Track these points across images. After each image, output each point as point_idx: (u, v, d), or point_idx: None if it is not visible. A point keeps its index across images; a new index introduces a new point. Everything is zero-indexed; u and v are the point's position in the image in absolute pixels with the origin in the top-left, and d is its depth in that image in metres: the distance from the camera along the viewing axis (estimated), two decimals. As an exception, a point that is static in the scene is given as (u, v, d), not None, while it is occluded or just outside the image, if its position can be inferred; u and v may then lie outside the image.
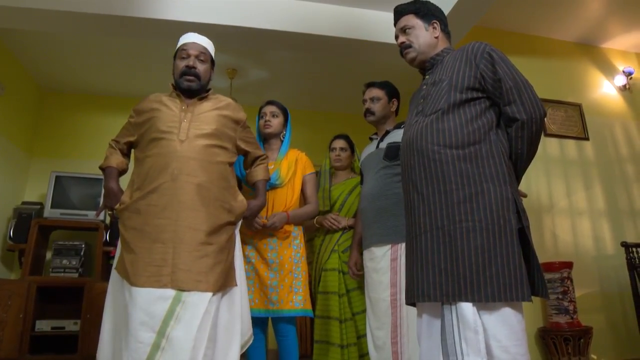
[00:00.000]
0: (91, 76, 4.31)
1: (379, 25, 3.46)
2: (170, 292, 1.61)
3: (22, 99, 4.10)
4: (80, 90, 4.55)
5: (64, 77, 4.31)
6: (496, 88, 1.52)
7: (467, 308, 1.36)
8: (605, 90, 4.00)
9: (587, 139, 3.75)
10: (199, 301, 1.63)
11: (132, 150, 2.04)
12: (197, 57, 1.97)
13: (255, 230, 2.26)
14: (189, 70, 1.93)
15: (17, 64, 3.99)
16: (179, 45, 2.01)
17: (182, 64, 1.95)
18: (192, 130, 1.84)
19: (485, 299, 1.34)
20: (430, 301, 1.45)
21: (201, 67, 1.97)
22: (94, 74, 4.27)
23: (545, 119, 3.69)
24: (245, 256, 2.24)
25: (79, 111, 4.53)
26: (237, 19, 3.22)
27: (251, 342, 1.94)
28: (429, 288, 1.44)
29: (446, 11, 3.10)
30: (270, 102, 2.55)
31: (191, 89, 1.94)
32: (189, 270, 1.64)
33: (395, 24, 1.82)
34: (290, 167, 2.44)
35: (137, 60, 4.07)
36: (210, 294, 1.65)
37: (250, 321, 1.96)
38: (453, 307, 1.38)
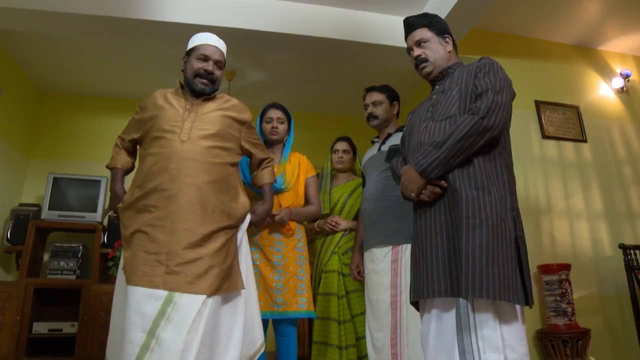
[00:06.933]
0: (89, 77, 4.31)
1: (378, 27, 3.46)
2: (162, 293, 1.58)
3: (19, 100, 4.09)
4: (78, 91, 4.54)
5: (61, 79, 4.30)
6: (474, 90, 1.60)
7: (485, 304, 1.39)
8: (603, 92, 4.01)
9: (585, 141, 3.76)
10: (191, 303, 1.60)
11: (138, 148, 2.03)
12: (216, 62, 1.96)
13: (264, 225, 2.26)
14: (208, 75, 1.92)
15: (15, 65, 3.98)
16: (197, 44, 1.97)
17: (199, 65, 1.93)
18: (195, 131, 1.82)
19: (492, 297, 1.37)
20: (445, 296, 1.46)
21: (217, 73, 1.97)
22: (92, 75, 4.26)
23: (543, 120, 3.71)
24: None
25: (76, 112, 4.52)
26: (236, 21, 3.22)
27: (262, 351, 1.89)
28: (445, 283, 1.46)
29: (444, 14, 3.11)
30: (276, 107, 2.52)
31: (204, 92, 1.93)
32: (182, 272, 1.62)
33: (406, 36, 1.85)
34: (294, 171, 2.45)
35: (135, 62, 4.06)
36: (203, 297, 1.62)
37: (261, 329, 1.92)
38: (469, 304, 1.41)
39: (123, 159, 2.00)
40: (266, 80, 4.47)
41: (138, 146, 2.00)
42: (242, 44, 3.42)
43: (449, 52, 1.79)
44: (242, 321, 1.78)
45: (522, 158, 3.47)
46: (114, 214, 1.96)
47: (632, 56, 4.23)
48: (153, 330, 1.54)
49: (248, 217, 1.95)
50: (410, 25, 1.82)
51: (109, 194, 2.09)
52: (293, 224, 2.36)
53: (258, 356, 1.88)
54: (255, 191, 2.25)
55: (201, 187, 1.76)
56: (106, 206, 3.78)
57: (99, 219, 3.80)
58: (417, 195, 1.59)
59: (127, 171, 2.03)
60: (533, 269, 3.13)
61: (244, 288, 1.80)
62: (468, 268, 1.38)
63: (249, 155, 2.13)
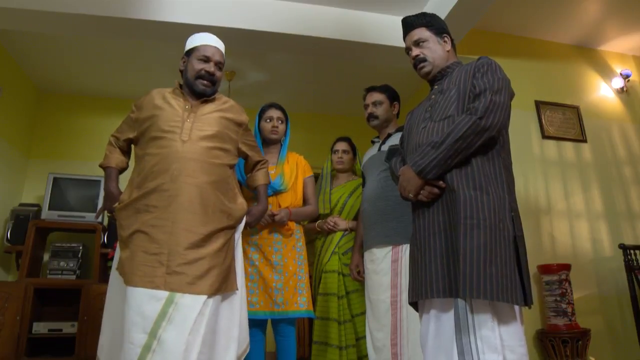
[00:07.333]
0: (89, 77, 4.31)
1: (378, 27, 3.46)
2: (163, 294, 1.58)
3: (19, 100, 4.09)
4: (78, 91, 4.54)
5: (61, 79, 4.30)
6: (472, 90, 1.59)
7: (483, 305, 1.38)
8: (603, 92, 4.01)
9: (585, 141, 3.76)
10: (193, 303, 1.60)
11: (133, 147, 2.02)
12: (216, 63, 1.96)
13: (264, 225, 2.27)
14: (209, 77, 1.92)
15: (15, 65, 3.98)
16: (197, 44, 1.96)
17: (200, 67, 1.92)
18: (195, 132, 1.82)
19: (490, 297, 1.36)
20: (444, 297, 1.46)
21: (218, 74, 1.97)
22: (92, 75, 4.26)
23: (543, 120, 3.71)
24: (249, 258, 2.25)
25: (76, 112, 4.52)
26: (236, 21, 3.22)
27: (247, 351, 1.91)
28: (444, 284, 1.45)
29: (444, 14, 3.11)
30: (275, 106, 2.54)
31: (205, 93, 1.93)
32: (183, 273, 1.62)
33: (405, 36, 1.84)
34: (293, 172, 2.47)
35: (135, 62, 4.06)
36: (204, 297, 1.62)
37: (247, 330, 1.93)
38: (467, 304, 1.40)
39: (117, 158, 1.99)
40: (266, 80, 4.47)
41: (133, 146, 1.99)
42: (242, 44, 3.41)
43: (448, 51, 1.79)
44: (239, 321, 1.80)
45: (522, 158, 3.47)
46: (109, 214, 1.96)
47: (632, 56, 4.23)
48: (154, 331, 1.53)
49: (244, 218, 1.96)
50: (409, 24, 1.82)
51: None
52: (292, 224, 2.38)
53: (244, 356, 1.89)
54: (252, 192, 2.26)
55: (202, 187, 1.76)
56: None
57: (98, 219, 3.80)
58: (415, 195, 1.58)
59: (121, 170, 2.02)
60: (533, 269, 3.13)
61: (237, 289, 1.81)
62: (466, 269, 1.38)
63: (245, 157, 2.13)
